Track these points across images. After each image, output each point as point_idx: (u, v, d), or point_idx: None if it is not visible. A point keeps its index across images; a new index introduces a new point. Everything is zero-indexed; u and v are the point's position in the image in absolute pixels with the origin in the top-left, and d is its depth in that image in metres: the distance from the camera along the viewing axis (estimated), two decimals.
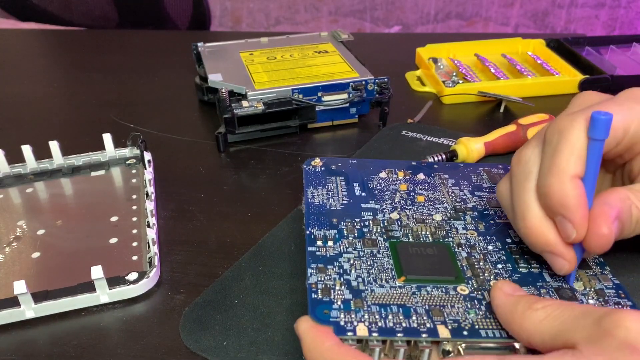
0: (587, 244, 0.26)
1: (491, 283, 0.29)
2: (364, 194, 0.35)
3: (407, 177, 0.38)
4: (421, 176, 0.38)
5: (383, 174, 0.38)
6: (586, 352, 0.21)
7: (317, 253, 0.30)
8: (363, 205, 0.34)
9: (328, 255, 0.30)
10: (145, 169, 0.42)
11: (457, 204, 0.35)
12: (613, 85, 0.55)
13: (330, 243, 0.31)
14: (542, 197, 0.27)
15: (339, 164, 0.38)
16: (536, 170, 0.28)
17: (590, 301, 0.28)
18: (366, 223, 0.33)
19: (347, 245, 0.31)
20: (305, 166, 0.38)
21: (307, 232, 0.32)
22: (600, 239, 0.26)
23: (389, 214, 0.34)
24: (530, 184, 0.28)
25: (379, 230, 0.32)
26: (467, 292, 0.28)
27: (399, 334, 0.25)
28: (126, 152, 0.45)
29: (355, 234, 0.32)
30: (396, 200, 0.35)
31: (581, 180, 0.26)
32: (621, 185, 0.31)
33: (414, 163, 0.39)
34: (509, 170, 0.31)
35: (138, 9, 0.96)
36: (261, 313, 0.31)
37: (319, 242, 0.31)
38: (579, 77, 0.56)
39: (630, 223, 0.27)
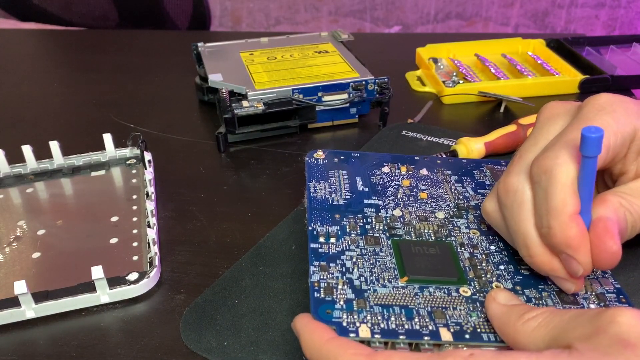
0: (597, 262, 0.26)
1: (493, 285, 0.28)
2: (366, 189, 0.35)
3: (410, 172, 0.37)
4: (424, 172, 0.37)
5: (386, 169, 0.37)
6: (581, 349, 0.21)
7: (320, 250, 0.30)
8: (366, 201, 0.34)
9: (330, 253, 0.30)
10: (146, 169, 0.42)
11: (459, 201, 0.35)
12: (613, 85, 0.55)
13: (332, 240, 0.31)
14: (545, 238, 0.27)
15: (342, 157, 0.38)
16: (528, 199, 0.28)
17: (591, 305, 0.28)
18: (369, 220, 0.33)
19: (349, 243, 0.31)
20: (307, 158, 0.38)
21: (310, 228, 0.31)
22: (610, 256, 0.26)
23: (392, 210, 0.34)
24: (525, 214, 0.28)
25: (381, 228, 0.32)
26: (469, 293, 0.28)
27: (401, 336, 0.25)
28: (126, 152, 0.45)
29: (358, 231, 0.32)
30: (399, 197, 0.35)
31: (579, 208, 0.26)
32: (601, 183, 0.32)
33: (417, 157, 0.39)
34: (494, 189, 0.30)
35: (138, 9, 0.96)
36: (261, 313, 0.31)
37: (322, 239, 0.31)
38: (579, 77, 0.56)
39: (626, 230, 0.27)
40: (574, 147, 0.26)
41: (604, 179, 0.32)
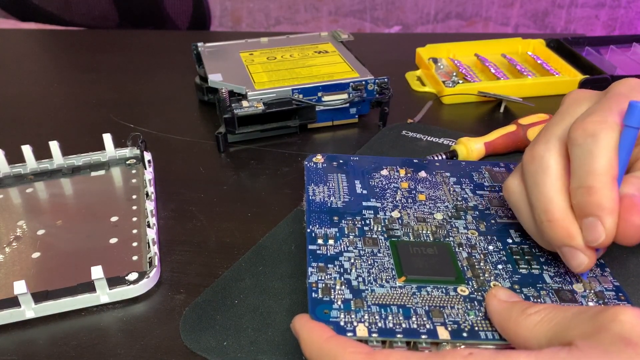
0: (622, 235, 0.26)
1: (491, 284, 0.29)
2: (365, 191, 0.35)
3: (409, 174, 0.38)
4: (422, 174, 0.38)
5: (384, 172, 0.38)
6: (582, 346, 0.21)
7: (318, 252, 0.30)
8: (364, 203, 0.34)
9: (329, 254, 0.30)
10: (145, 169, 0.42)
11: (458, 202, 0.35)
12: None
13: (331, 241, 0.31)
14: (578, 196, 0.27)
15: (341, 161, 0.38)
16: (553, 165, 0.28)
17: (590, 303, 0.28)
18: (367, 221, 0.33)
19: (347, 244, 0.31)
20: (306, 162, 0.38)
21: (308, 230, 0.32)
22: (636, 230, 0.26)
23: (390, 212, 0.34)
24: (550, 178, 0.28)
25: (379, 229, 0.32)
26: (467, 293, 0.28)
27: (398, 335, 0.25)
28: (126, 152, 0.45)
29: (356, 233, 0.32)
30: (397, 199, 0.35)
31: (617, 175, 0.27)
32: None
33: (415, 160, 0.39)
34: (518, 167, 0.31)
35: (138, 9, 0.96)
36: (261, 313, 0.31)
37: (320, 241, 0.31)
38: (579, 77, 0.56)
39: None
40: (619, 115, 0.27)
41: None
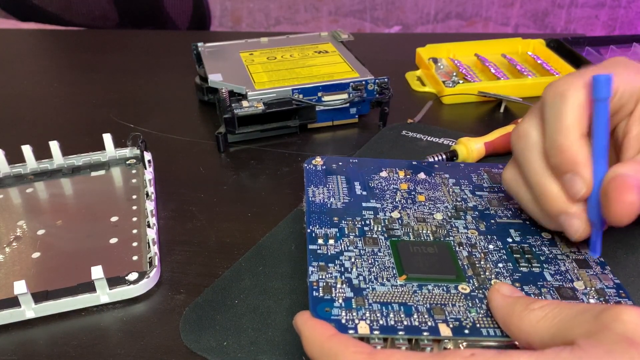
0: (614, 214, 0.26)
1: (492, 282, 0.29)
2: (364, 193, 0.35)
3: (408, 176, 0.38)
4: (422, 175, 0.38)
5: (384, 173, 0.38)
6: (584, 345, 0.21)
7: (318, 251, 0.30)
8: (364, 204, 0.34)
9: (329, 254, 0.30)
10: (145, 169, 0.42)
11: (457, 203, 0.35)
12: None
13: (331, 241, 0.31)
14: (552, 157, 0.28)
15: (340, 163, 0.38)
16: (537, 141, 0.29)
17: (591, 300, 0.28)
18: (367, 222, 0.33)
19: (348, 244, 0.31)
20: (306, 165, 0.38)
21: (308, 230, 0.32)
22: (627, 207, 0.26)
23: (390, 212, 0.34)
24: (536, 153, 0.29)
25: (379, 229, 0.32)
26: (468, 290, 0.28)
27: (400, 332, 0.25)
28: (126, 152, 0.45)
29: (356, 233, 0.32)
30: (397, 199, 0.35)
31: (592, 141, 0.27)
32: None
33: (414, 162, 0.39)
34: (513, 157, 0.32)
35: (138, 9, 0.96)
36: (261, 313, 0.31)
37: (320, 241, 0.31)
38: None
39: None
40: (587, 79, 0.27)
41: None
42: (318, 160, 0.38)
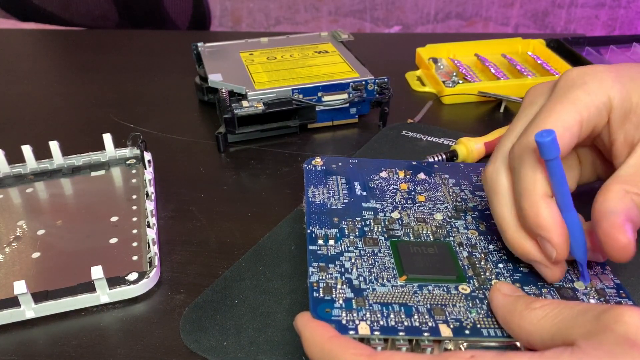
0: (613, 257, 0.26)
1: (492, 282, 0.29)
2: (364, 193, 0.35)
3: (408, 176, 0.38)
4: (422, 176, 0.38)
5: (384, 174, 0.38)
6: (584, 347, 0.21)
7: (319, 252, 0.30)
8: (364, 205, 0.34)
9: (329, 254, 0.30)
10: (145, 169, 0.42)
11: (457, 203, 0.35)
12: None
13: (331, 242, 0.31)
14: (521, 220, 0.28)
15: (340, 164, 0.38)
16: (503, 185, 0.29)
17: (592, 300, 0.28)
18: (367, 222, 0.33)
19: (348, 244, 0.31)
20: (305, 165, 0.38)
21: (308, 230, 0.32)
22: (623, 250, 0.25)
23: (390, 213, 0.34)
24: (500, 198, 0.29)
25: (380, 230, 0.32)
26: (468, 291, 0.28)
27: (400, 333, 0.25)
28: (126, 152, 0.45)
29: (357, 233, 0.32)
30: (397, 200, 0.35)
31: (553, 198, 0.27)
32: (595, 157, 0.32)
33: (414, 163, 0.39)
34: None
35: (138, 9, 0.96)
36: (261, 313, 0.31)
37: (320, 241, 0.31)
38: None
39: (638, 213, 0.26)
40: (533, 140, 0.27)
41: (601, 153, 0.32)
42: (318, 161, 0.38)
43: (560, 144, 0.26)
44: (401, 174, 0.38)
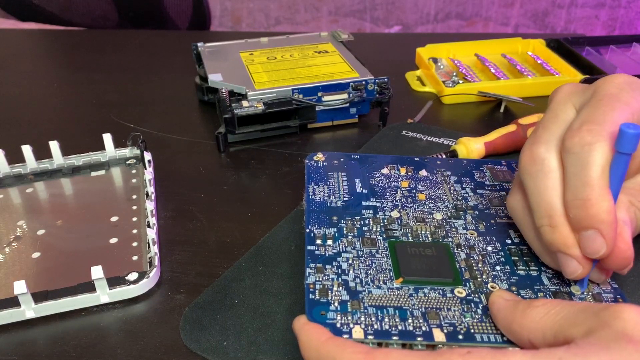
0: (613, 265, 0.26)
1: (489, 286, 0.29)
2: (365, 190, 0.35)
3: (410, 173, 0.37)
4: (423, 173, 0.37)
5: (385, 170, 0.38)
6: (582, 343, 0.21)
7: (316, 252, 0.30)
8: (364, 203, 0.34)
9: (327, 255, 0.30)
10: (145, 169, 0.42)
11: (458, 202, 0.35)
12: None
13: (329, 242, 0.31)
14: (575, 210, 0.26)
15: (342, 159, 0.38)
16: (555, 169, 0.27)
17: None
18: (366, 221, 0.33)
19: (346, 245, 0.31)
20: (307, 161, 0.38)
21: (307, 230, 0.32)
22: (625, 260, 0.26)
23: (390, 212, 0.34)
24: (552, 182, 0.27)
25: (378, 229, 0.32)
26: (464, 294, 0.28)
27: (394, 337, 0.25)
28: (126, 152, 0.45)
29: (355, 233, 0.32)
30: (397, 198, 0.35)
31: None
32: None
33: (416, 159, 0.39)
34: (516, 181, 0.30)
35: (138, 9, 0.96)
36: (261, 313, 0.31)
37: (318, 241, 0.31)
38: (579, 77, 0.55)
39: (637, 227, 0.28)
40: (613, 124, 0.26)
41: None
42: (320, 156, 0.38)
43: None
44: (402, 171, 0.38)
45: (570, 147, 0.27)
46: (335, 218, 0.33)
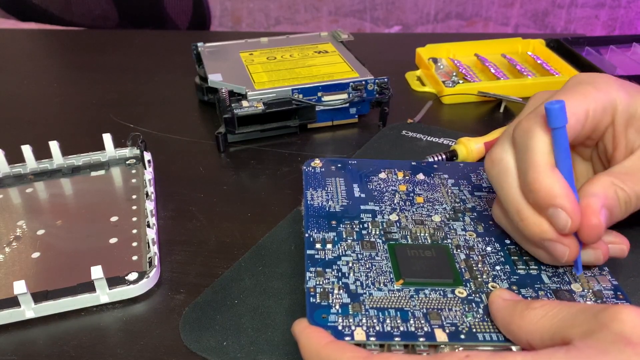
0: (580, 236, 0.27)
1: (489, 285, 0.29)
2: (363, 195, 0.35)
3: (407, 177, 0.38)
4: (421, 176, 0.38)
5: (382, 175, 0.38)
6: (580, 345, 0.21)
7: (316, 256, 0.30)
8: (362, 207, 0.34)
9: (327, 259, 0.30)
10: (145, 169, 0.42)
11: (456, 204, 0.35)
12: None
13: (329, 246, 0.31)
14: (530, 195, 0.27)
15: (339, 165, 0.38)
16: (512, 166, 0.29)
17: (588, 302, 0.28)
18: (365, 225, 0.33)
19: (345, 248, 0.31)
20: (305, 167, 0.38)
21: (306, 235, 0.32)
22: (592, 230, 0.27)
23: (388, 215, 0.34)
24: (511, 180, 0.29)
25: (377, 233, 0.32)
26: (465, 294, 0.28)
27: (396, 338, 0.25)
28: (126, 152, 0.45)
29: (354, 237, 0.32)
30: (395, 202, 0.35)
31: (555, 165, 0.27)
32: (602, 169, 0.32)
33: (413, 163, 0.39)
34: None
35: (138, 9, 0.96)
36: (261, 313, 0.31)
37: (318, 245, 0.31)
38: None
39: (619, 206, 0.28)
40: (542, 111, 0.28)
41: (600, 160, 0.32)
42: (317, 163, 0.38)
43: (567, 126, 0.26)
44: (400, 175, 0.38)
45: (515, 137, 0.29)
46: (334, 222, 0.33)
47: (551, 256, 0.28)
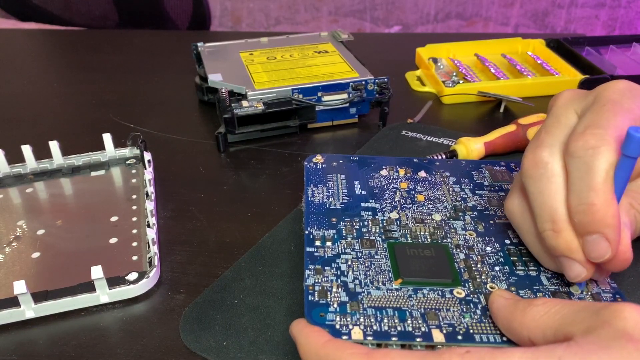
0: (613, 267, 0.26)
1: (488, 286, 0.29)
2: (364, 192, 0.35)
3: (408, 174, 0.37)
4: (422, 174, 0.38)
5: (384, 172, 0.38)
6: (581, 341, 0.21)
7: (315, 254, 0.30)
8: (363, 204, 0.34)
9: (326, 256, 0.30)
10: (145, 169, 0.42)
11: (457, 203, 0.35)
12: None
13: (328, 243, 0.31)
14: (578, 214, 0.26)
15: (341, 161, 0.38)
16: (558, 173, 0.27)
17: None
18: (365, 223, 0.33)
19: (345, 246, 0.31)
20: (306, 163, 0.38)
21: (306, 232, 0.32)
22: (625, 262, 0.26)
23: (389, 213, 0.34)
24: (556, 187, 0.27)
25: (377, 231, 0.32)
26: (463, 295, 0.28)
27: (393, 338, 0.25)
28: (126, 152, 0.45)
29: (354, 234, 0.32)
30: (396, 199, 0.35)
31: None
32: None
33: (415, 160, 0.39)
34: (516, 185, 0.30)
35: (138, 9, 0.96)
36: (261, 313, 0.31)
37: (318, 243, 0.31)
38: (579, 77, 0.56)
39: (636, 229, 0.28)
40: (616, 129, 0.26)
41: None
42: (319, 158, 0.38)
43: None
44: (402, 172, 0.38)
45: (574, 150, 0.26)
46: (334, 220, 0.33)
47: (562, 270, 0.28)
